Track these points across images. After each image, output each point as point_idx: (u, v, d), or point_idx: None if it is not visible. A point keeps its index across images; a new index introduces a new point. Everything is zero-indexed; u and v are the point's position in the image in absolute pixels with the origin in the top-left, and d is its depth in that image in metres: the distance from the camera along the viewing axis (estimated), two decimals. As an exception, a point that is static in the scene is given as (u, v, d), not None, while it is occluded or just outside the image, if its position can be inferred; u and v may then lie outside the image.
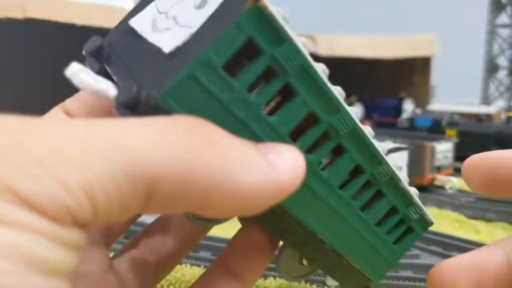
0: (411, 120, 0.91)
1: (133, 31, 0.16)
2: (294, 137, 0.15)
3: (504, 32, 1.67)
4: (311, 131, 0.16)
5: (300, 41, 0.14)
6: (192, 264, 0.37)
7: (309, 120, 0.16)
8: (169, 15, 0.15)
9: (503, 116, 1.10)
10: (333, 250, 0.19)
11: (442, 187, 0.64)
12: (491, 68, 1.69)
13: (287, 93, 0.15)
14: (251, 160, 0.13)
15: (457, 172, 0.71)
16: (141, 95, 0.13)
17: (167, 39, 0.14)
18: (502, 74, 1.68)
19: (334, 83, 0.17)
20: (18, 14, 0.61)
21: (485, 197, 0.62)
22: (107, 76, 0.16)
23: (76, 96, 0.19)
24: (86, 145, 0.11)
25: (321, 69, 0.16)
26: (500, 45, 1.68)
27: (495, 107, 1.16)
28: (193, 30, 0.13)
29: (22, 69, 1.05)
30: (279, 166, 0.13)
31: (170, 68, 0.13)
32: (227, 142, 0.13)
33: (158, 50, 0.14)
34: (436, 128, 0.85)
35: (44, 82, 1.08)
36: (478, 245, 0.44)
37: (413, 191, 0.21)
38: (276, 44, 0.14)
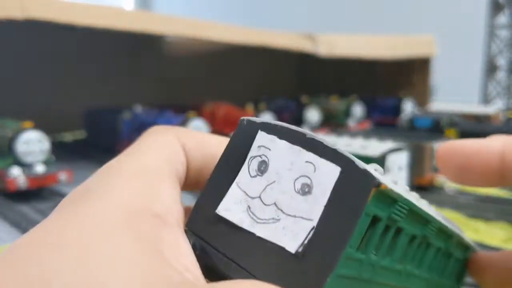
0: (411, 120, 0.91)
1: (226, 221, 0.15)
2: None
3: (502, 33, 1.67)
4: (412, 248, 0.17)
5: (404, 189, 0.15)
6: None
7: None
8: (267, 202, 0.14)
9: (501, 116, 1.10)
10: None
11: (441, 187, 0.65)
12: (490, 69, 1.69)
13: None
14: None
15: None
16: None
17: (284, 234, 0.13)
18: (500, 74, 1.69)
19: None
20: (18, 14, 0.61)
21: (485, 197, 0.62)
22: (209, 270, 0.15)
23: (194, 134, 0.19)
24: None
25: (416, 198, 0.17)
26: (498, 45, 1.68)
27: (494, 108, 1.16)
28: (312, 223, 0.13)
29: (22, 69, 1.05)
30: None
31: (308, 270, 0.13)
32: None
33: (276, 247, 0.13)
34: (436, 128, 0.85)
35: (44, 82, 1.08)
36: (477, 244, 0.44)
37: (451, 224, 0.22)
38: (391, 206, 0.14)
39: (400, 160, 0.48)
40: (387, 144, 0.49)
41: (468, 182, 0.20)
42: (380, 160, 0.46)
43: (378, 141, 0.51)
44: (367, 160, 0.45)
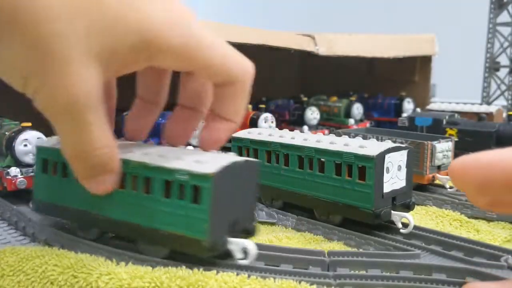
0: (411, 119, 0.90)
1: None
2: None
3: (505, 30, 1.66)
4: None
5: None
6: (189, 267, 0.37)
7: None
8: None
9: (504, 115, 1.09)
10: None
11: (442, 186, 0.64)
12: (492, 67, 1.68)
13: None
14: None
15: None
16: None
17: None
18: (503, 73, 1.67)
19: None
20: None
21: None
22: None
23: None
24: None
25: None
26: (502, 43, 1.67)
27: (496, 106, 1.15)
28: None
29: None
30: None
31: None
32: None
33: None
34: (436, 127, 0.84)
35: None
36: (478, 244, 0.44)
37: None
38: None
39: (400, 159, 0.48)
40: (387, 143, 0.48)
41: (492, 193, 0.18)
42: (379, 159, 0.45)
43: (377, 140, 0.51)
44: (367, 159, 0.44)
